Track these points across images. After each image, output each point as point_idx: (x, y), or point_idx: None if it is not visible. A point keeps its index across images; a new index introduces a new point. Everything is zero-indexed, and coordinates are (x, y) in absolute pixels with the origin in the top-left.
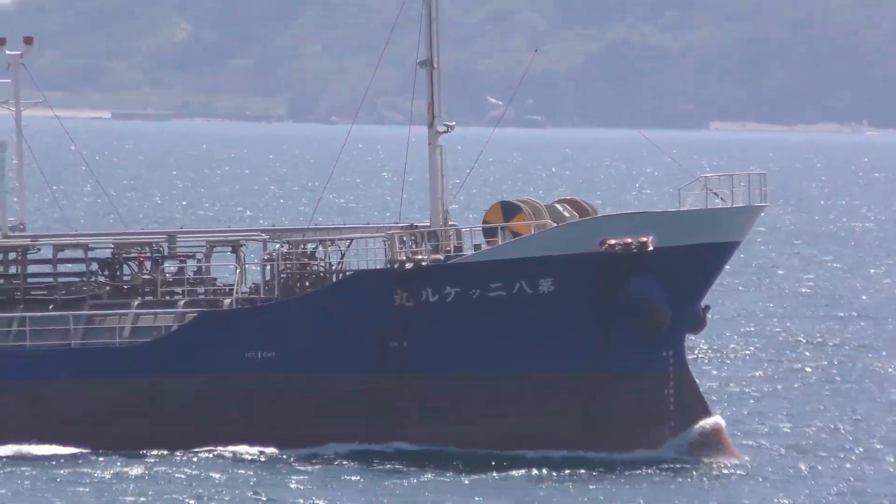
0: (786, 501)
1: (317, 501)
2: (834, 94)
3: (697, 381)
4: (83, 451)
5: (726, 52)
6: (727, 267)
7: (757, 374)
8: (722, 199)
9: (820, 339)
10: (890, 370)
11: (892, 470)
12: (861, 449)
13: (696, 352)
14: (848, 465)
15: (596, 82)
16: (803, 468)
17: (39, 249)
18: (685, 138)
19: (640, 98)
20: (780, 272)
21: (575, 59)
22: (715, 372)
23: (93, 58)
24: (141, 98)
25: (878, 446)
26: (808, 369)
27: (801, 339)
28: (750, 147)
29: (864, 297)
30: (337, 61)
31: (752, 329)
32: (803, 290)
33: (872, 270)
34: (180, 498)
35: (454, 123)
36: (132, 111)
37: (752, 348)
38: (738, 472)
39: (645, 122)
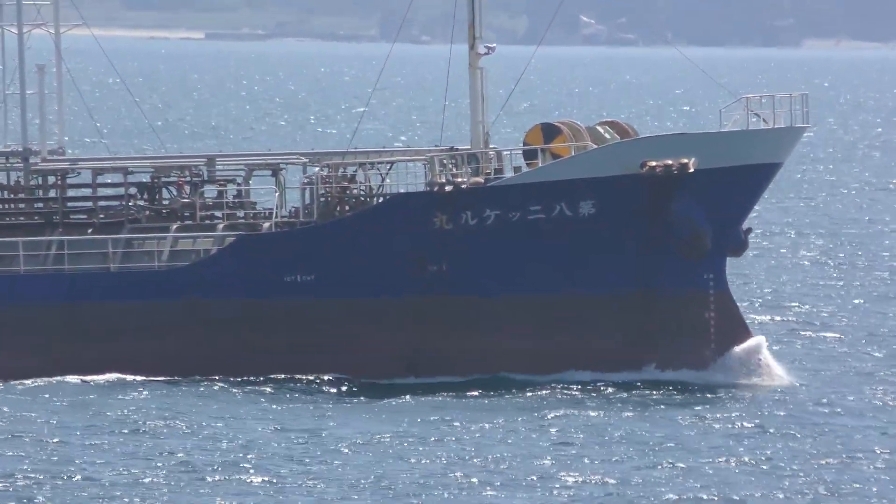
0: (830, 421)
1: (356, 428)
2: None
3: (738, 303)
4: (121, 374)
5: None
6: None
7: (800, 295)
8: (764, 120)
9: (865, 260)
10: None
11: None
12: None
13: (738, 274)
14: (891, 389)
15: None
16: (847, 390)
17: (79, 173)
18: (777, 56)
19: (735, 15)
20: (840, 191)
21: None
22: (756, 294)
23: None
24: (237, 18)
25: None
26: (854, 290)
27: (845, 258)
28: (840, 66)
29: None
30: None
31: (795, 251)
32: (852, 212)
33: None
34: (217, 422)
35: (495, 45)
36: (227, 31)
37: (796, 269)
38: (779, 393)
39: (740, 39)
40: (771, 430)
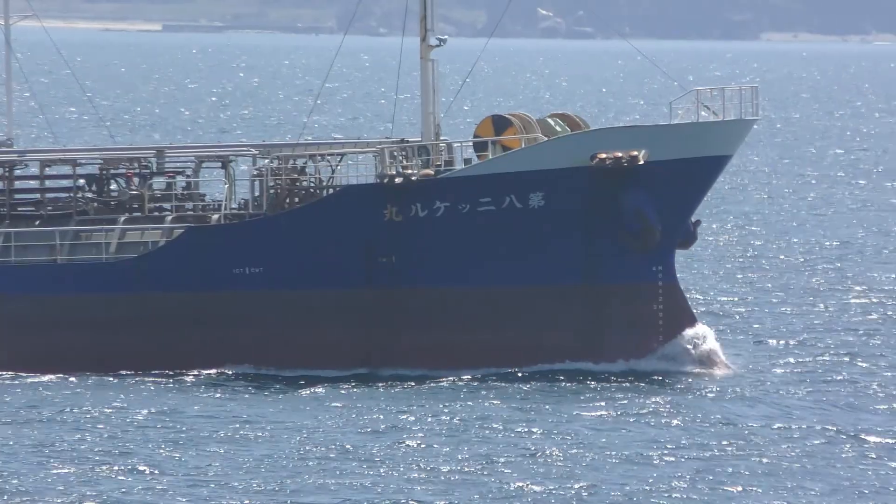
0: (772, 411)
1: (302, 420)
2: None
3: (686, 294)
4: (68, 367)
5: None
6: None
7: (748, 286)
8: (714, 112)
9: (811, 251)
10: (884, 278)
11: (876, 382)
12: (848, 358)
13: (686, 265)
14: (833, 376)
15: None
16: (791, 380)
17: (27, 165)
18: (736, 48)
19: (692, 8)
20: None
21: None
22: (705, 285)
23: None
24: (194, 9)
25: (860, 354)
26: (800, 281)
27: (794, 250)
28: (793, 58)
29: (864, 205)
30: None
31: (743, 242)
32: (799, 202)
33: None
34: (163, 416)
35: (446, 37)
36: (184, 23)
37: (743, 261)
38: (726, 383)
39: (699, 32)
40: (715, 420)
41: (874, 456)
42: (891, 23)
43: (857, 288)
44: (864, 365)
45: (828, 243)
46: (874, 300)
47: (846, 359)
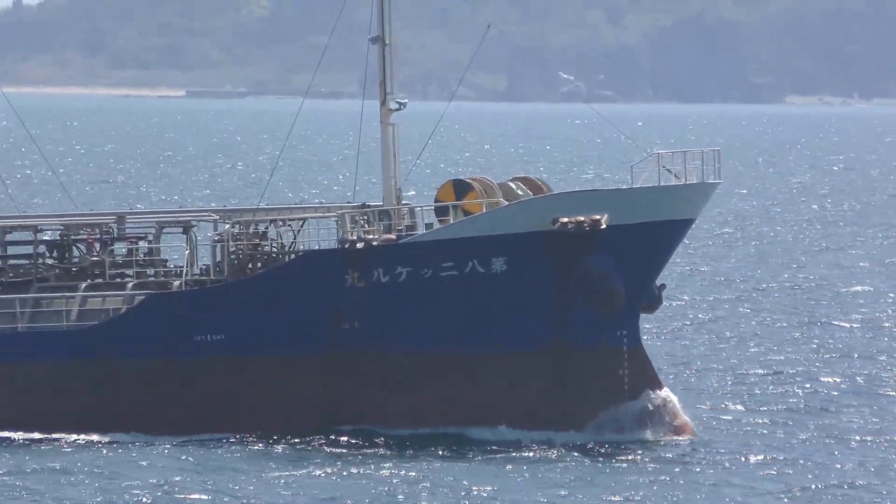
0: (740, 478)
1: (265, 481)
2: None
3: (652, 359)
4: (28, 435)
5: (804, 24)
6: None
7: (713, 352)
8: (676, 176)
9: (777, 314)
10: (850, 342)
11: (847, 445)
12: (817, 423)
13: (651, 330)
14: (803, 441)
15: (670, 55)
16: (758, 445)
17: None
18: (759, 112)
19: (715, 72)
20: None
21: (650, 32)
22: (670, 350)
23: (173, 36)
24: (218, 76)
25: (833, 421)
26: (767, 344)
27: (760, 312)
28: (817, 120)
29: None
30: (414, 36)
31: (709, 306)
32: (764, 267)
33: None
34: (126, 483)
35: (406, 101)
36: (207, 89)
37: (709, 324)
38: (693, 449)
39: (721, 96)
40: (682, 487)
41: None
42: None
43: (824, 346)
44: (831, 422)
45: (800, 306)
46: (846, 362)
47: (812, 418)
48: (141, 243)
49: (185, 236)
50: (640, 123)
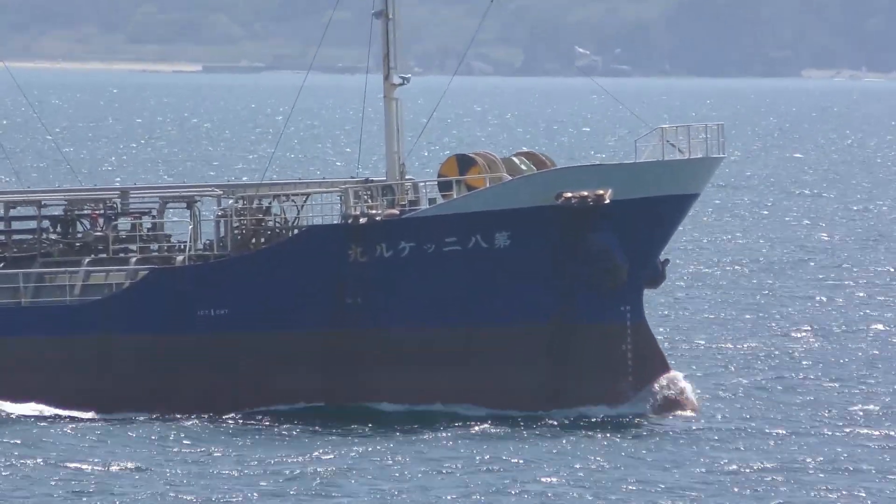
0: (744, 455)
1: (266, 460)
2: None
3: (656, 335)
4: (32, 409)
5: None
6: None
7: (717, 326)
8: (679, 150)
9: (782, 290)
10: (852, 321)
11: (851, 424)
12: (818, 402)
13: (655, 305)
14: (806, 419)
15: (687, 30)
16: (762, 422)
17: None
18: (775, 86)
19: (732, 46)
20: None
21: (667, 6)
22: (674, 325)
23: (193, 10)
24: (236, 51)
25: (838, 401)
26: (771, 320)
27: (763, 288)
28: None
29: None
30: (433, 11)
31: (712, 281)
32: (769, 243)
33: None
34: (128, 459)
35: (410, 76)
36: (224, 64)
37: (713, 300)
38: (696, 426)
39: (738, 70)
40: (686, 463)
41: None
42: None
43: (833, 326)
44: (839, 412)
45: (802, 283)
46: (848, 336)
47: (815, 395)
48: (144, 218)
49: (188, 211)
50: (664, 97)
